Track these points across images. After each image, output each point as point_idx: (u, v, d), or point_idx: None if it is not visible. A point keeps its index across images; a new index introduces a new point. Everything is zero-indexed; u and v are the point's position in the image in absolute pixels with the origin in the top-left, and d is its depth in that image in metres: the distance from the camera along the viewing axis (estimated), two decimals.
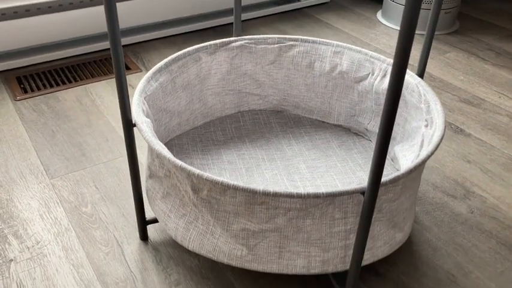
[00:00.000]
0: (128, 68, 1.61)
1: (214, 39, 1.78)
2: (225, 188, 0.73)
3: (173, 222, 0.85)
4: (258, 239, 0.77)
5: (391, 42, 1.84)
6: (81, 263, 0.94)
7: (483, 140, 1.32)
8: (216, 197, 0.76)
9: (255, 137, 1.17)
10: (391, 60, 1.06)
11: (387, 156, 1.11)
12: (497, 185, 1.16)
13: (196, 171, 0.73)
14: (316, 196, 0.70)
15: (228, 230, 0.78)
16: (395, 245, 0.87)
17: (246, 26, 1.91)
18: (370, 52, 1.09)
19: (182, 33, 1.85)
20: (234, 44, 1.13)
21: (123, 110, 0.81)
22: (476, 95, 1.53)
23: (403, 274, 0.94)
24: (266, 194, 0.70)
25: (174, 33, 1.83)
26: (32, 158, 1.20)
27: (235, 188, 0.71)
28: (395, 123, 1.07)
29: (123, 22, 1.71)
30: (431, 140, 0.85)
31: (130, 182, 1.13)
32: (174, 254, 0.96)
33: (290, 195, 0.70)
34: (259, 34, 1.85)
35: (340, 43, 1.12)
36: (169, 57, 1.04)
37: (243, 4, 1.95)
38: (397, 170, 1.06)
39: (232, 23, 1.94)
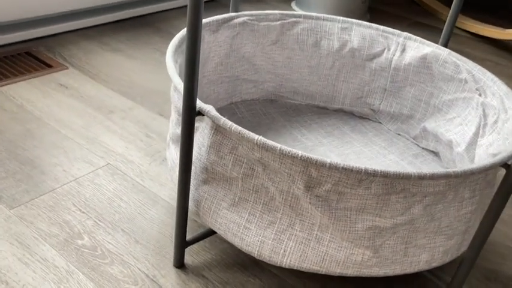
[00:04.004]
0: (49, 66, 1.29)
1: (135, 32, 1.54)
2: (367, 176, 0.57)
3: (255, 235, 0.66)
4: (386, 236, 0.63)
5: None
6: None
7: None
8: (341, 191, 0.60)
9: (262, 130, 1.01)
10: (407, 34, 1.00)
11: (408, 136, 1.05)
12: None
13: (327, 160, 0.56)
14: (472, 172, 0.59)
15: (349, 231, 0.62)
16: None
17: (166, 16, 1.70)
18: (382, 27, 1.02)
19: (95, 26, 1.57)
20: (236, 21, 0.96)
21: (190, 93, 0.60)
22: None
23: None
24: (422, 177, 0.57)
25: (85, 26, 1.53)
26: None
27: (385, 176, 0.56)
28: (415, 98, 1.01)
29: (23, 12, 1.36)
30: (504, 106, 0.81)
31: (124, 199, 0.88)
32: (227, 278, 0.76)
33: (447, 175, 0.58)
34: (185, 24, 1.66)
35: (346, 18, 1.03)
36: (179, 35, 0.82)
37: None
38: (428, 150, 1.01)
39: (153, 13, 1.70)
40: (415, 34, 1.97)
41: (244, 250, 0.68)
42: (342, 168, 0.56)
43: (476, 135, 0.85)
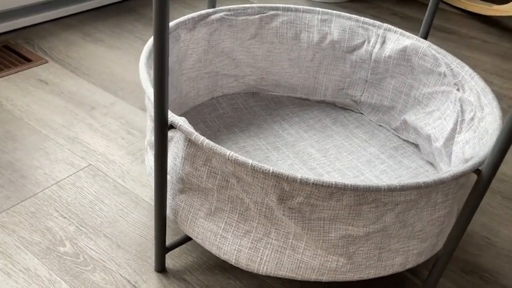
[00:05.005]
0: (28, 60, 1.27)
1: (117, 19, 1.52)
2: (337, 190, 0.58)
3: (232, 243, 0.67)
4: (359, 244, 0.64)
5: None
6: None
7: None
8: (314, 203, 0.60)
9: (243, 126, 1.01)
10: (387, 25, 0.99)
11: (388, 127, 1.05)
12: None
13: (298, 176, 0.57)
14: (442, 182, 0.60)
15: (323, 240, 0.63)
16: None
17: (148, 0, 1.66)
18: (362, 18, 1.01)
19: (75, 14, 1.54)
20: (213, 17, 0.94)
21: (160, 107, 0.60)
22: None
23: None
24: (391, 190, 0.58)
25: (65, 14, 1.50)
26: None
27: (355, 189, 0.57)
28: (396, 90, 1.01)
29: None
30: (480, 103, 0.81)
31: (106, 202, 0.89)
32: (208, 281, 0.77)
33: (417, 186, 0.58)
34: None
35: (326, 10, 1.02)
36: (152, 40, 0.81)
37: None
38: (408, 142, 1.01)
39: None
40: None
41: (222, 258, 0.69)
42: (313, 183, 0.57)
43: (454, 130, 0.85)
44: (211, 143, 0.60)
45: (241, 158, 0.58)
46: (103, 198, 0.90)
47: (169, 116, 0.63)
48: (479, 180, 0.63)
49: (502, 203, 1.02)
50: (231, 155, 0.58)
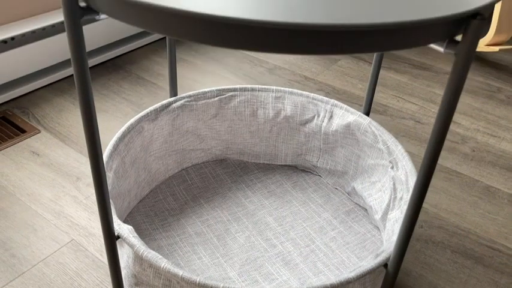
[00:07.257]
0: (22, 131, 1.40)
1: (104, 79, 1.64)
2: None
3: None
4: None
5: (287, 57, 1.88)
6: None
7: None
8: None
9: (209, 196, 1.12)
10: (334, 101, 1.08)
11: (343, 191, 1.14)
12: (429, 193, 1.28)
13: (220, 285, 0.67)
14: (348, 282, 0.69)
15: None
16: None
17: (135, 57, 1.78)
18: (312, 94, 1.10)
19: (67, 77, 1.67)
20: (174, 105, 1.05)
21: (105, 220, 0.71)
22: (379, 101, 1.65)
23: None
24: None
25: (57, 79, 1.63)
26: None
27: None
28: (346, 158, 1.10)
29: None
30: (407, 185, 0.90)
31: (85, 277, 1.00)
32: None
33: None
34: (152, 63, 1.75)
35: (279, 88, 1.11)
36: (115, 137, 0.93)
37: (125, 37, 1.82)
38: (359, 205, 1.10)
39: (121, 55, 1.79)
40: None
41: None
42: None
43: (388, 206, 0.94)
44: (150, 255, 0.70)
45: (173, 269, 0.69)
46: (82, 273, 1.01)
47: (116, 228, 0.74)
48: (387, 274, 0.72)
49: (451, 258, 1.10)
50: (164, 266, 0.69)
